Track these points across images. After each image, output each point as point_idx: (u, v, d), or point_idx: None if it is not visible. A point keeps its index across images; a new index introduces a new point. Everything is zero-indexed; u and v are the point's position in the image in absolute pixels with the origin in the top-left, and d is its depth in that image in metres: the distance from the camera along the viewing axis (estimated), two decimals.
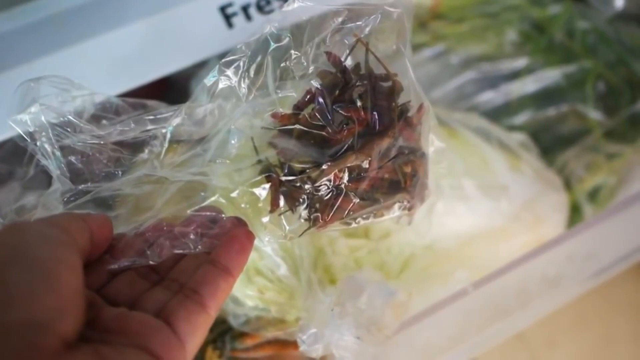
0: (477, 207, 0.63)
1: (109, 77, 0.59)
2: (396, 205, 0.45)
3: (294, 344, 0.54)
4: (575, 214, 0.75)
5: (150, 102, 0.48)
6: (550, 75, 0.79)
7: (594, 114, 0.77)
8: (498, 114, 0.78)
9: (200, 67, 0.70)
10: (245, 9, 0.61)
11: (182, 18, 0.61)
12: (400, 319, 0.42)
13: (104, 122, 0.46)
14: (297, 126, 0.41)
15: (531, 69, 0.79)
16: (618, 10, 0.83)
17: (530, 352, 0.92)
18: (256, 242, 0.40)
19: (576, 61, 0.79)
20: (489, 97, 0.79)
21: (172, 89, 0.76)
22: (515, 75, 0.80)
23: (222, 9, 0.61)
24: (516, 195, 0.66)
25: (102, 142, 0.42)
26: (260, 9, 0.61)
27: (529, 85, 0.79)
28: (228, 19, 0.61)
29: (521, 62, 0.80)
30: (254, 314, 0.54)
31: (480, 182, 0.63)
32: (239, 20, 0.61)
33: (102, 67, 0.59)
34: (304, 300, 0.50)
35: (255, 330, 0.55)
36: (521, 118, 0.78)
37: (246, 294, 0.53)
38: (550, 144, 0.78)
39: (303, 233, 0.42)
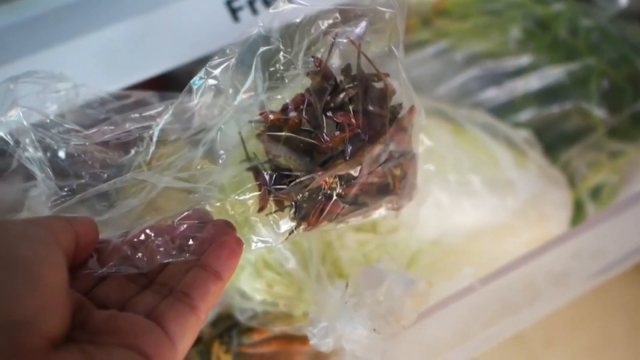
0: (482, 203, 0.63)
1: (112, 72, 0.58)
2: (384, 206, 0.45)
3: (300, 339, 0.54)
4: (577, 212, 0.74)
5: (135, 93, 0.47)
6: (554, 73, 0.79)
7: (598, 112, 0.77)
8: (502, 111, 0.78)
9: (203, 63, 0.69)
10: (251, 3, 0.61)
11: (188, 12, 0.60)
12: (420, 309, 0.42)
13: (89, 111, 0.45)
14: (286, 133, 0.40)
15: (535, 67, 0.79)
16: (622, 8, 0.83)
17: (529, 352, 0.92)
18: (245, 245, 0.40)
19: (580, 59, 0.78)
20: (493, 94, 0.79)
21: (173, 85, 0.75)
22: (518, 72, 0.79)
23: (228, 3, 0.61)
24: (521, 191, 0.66)
25: (87, 143, 0.41)
26: (266, 3, 0.61)
27: (532, 82, 0.79)
28: (234, 12, 0.61)
29: (525, 60, 0.80)
30: (261, 308, 0.54)
31: (486, 177, 0.63)
32: (245, 14, 0.61)
33: (105, 61, 0.58)
34: (313, 294, 0.49)
35: (262, 325, 0.54)
36: (525, 115, 0.78)
37: (255, 287, 0.52)
38: (553, 141, 0.77)
39: (289, 237, 0.42)
